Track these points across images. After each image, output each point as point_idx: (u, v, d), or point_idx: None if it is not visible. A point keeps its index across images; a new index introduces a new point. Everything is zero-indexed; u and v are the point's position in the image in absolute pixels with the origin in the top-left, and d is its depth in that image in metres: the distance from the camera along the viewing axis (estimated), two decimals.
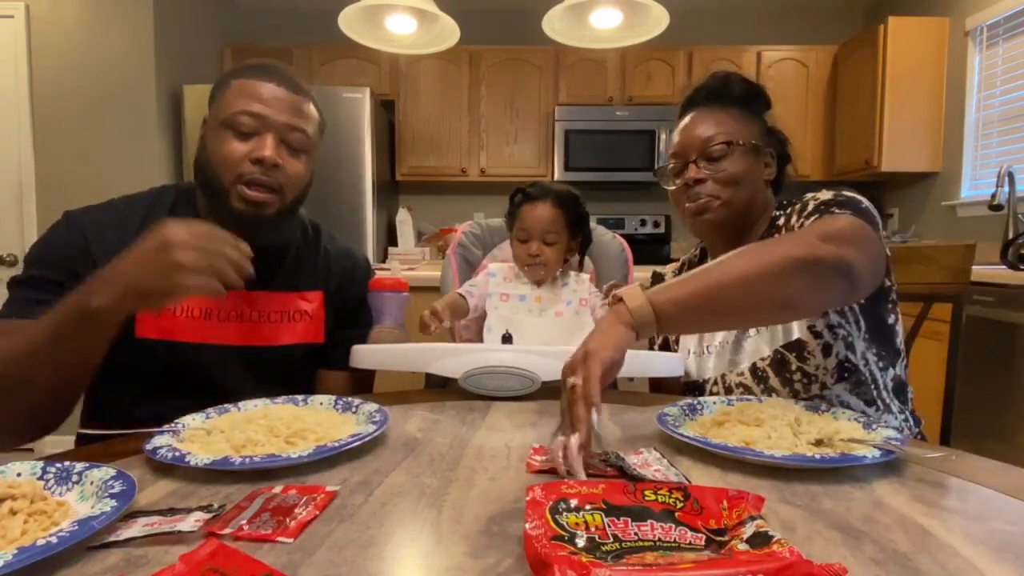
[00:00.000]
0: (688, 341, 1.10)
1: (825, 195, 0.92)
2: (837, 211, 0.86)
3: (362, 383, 1.14)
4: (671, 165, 1.06)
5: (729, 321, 0.85)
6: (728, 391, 1.01)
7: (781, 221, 1.00)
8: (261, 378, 0.98)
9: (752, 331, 1.00)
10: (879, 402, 0.95)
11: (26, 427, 0.82)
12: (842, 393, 0.94)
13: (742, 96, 1.04)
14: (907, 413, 0.98)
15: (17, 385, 0.75)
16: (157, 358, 0.93)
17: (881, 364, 0.96)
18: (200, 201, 0.99)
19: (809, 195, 0.95)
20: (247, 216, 0.92)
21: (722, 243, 1.05)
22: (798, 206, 0.95)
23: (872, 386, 0.95)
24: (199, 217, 0.99)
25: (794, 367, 0.95)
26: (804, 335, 0.94)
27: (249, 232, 0.95)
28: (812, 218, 0.89)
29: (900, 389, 0.98)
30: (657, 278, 1.25)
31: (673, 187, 1.06)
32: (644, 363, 0.98)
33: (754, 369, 0.99)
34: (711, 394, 1.03)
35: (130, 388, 0.94)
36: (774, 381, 0.96)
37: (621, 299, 0.74)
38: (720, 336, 1.05)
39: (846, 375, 0.93)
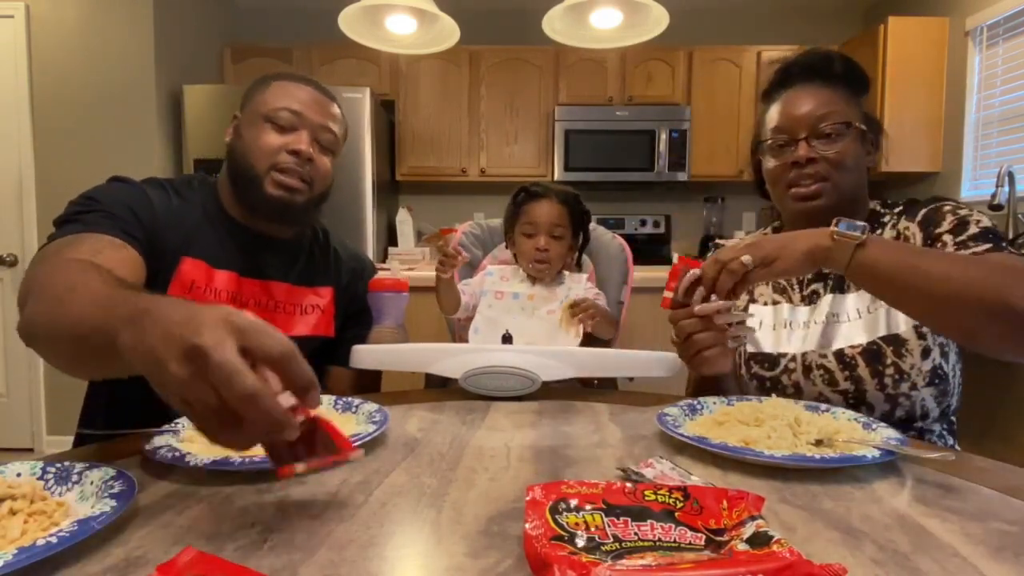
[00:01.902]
0: (762, 313, 1.05)
1: (985, 221, 0.87)
2: (1012, 252, 0.82)
3: (369, 382, 1.14)
4: (770, 140, 0.99)
5: (914, 304, 0.80)
6: (807, 370, 0.96)
7: (888, 220, 0.97)
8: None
9: (846, 318, 0.96)
10: (945, 420, 0.94)
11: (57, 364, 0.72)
12: (927, 398, 0.91)
13: (843, 75, 0.98)
14: (951, 427, 0.97)
15: (53, 340, 0.67)
16: None
17: (959, 382, 0.95)
18: (224, 193, 1.02)
19: (950, 206, 0.92)
20: (279, 202, 0.97)
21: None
22: (939, 215, 0.91)
23: (949, 398, 0.93)
24: (221, 209, 1.02)
25: (889, 361, 0.90)
26: (908, 332, 0.90)
27: (277, 219, 1.01)
28: (984, 246, 0.83)
29: (958, 410, 0.97)
30: (717, 247, 1.16)
31: (775, 164, 1.00)
32: (641, 363, 0.98)
33: (841, 354, 0.94)
34: (786, 370, 0.98)
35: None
36: (863, 371, 0.92)
37: (837, 235, 0.77)
38: (804, 315, 1.00)
39: (937, 381, 0.90)
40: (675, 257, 0.92)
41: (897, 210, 0.99)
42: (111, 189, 0.92)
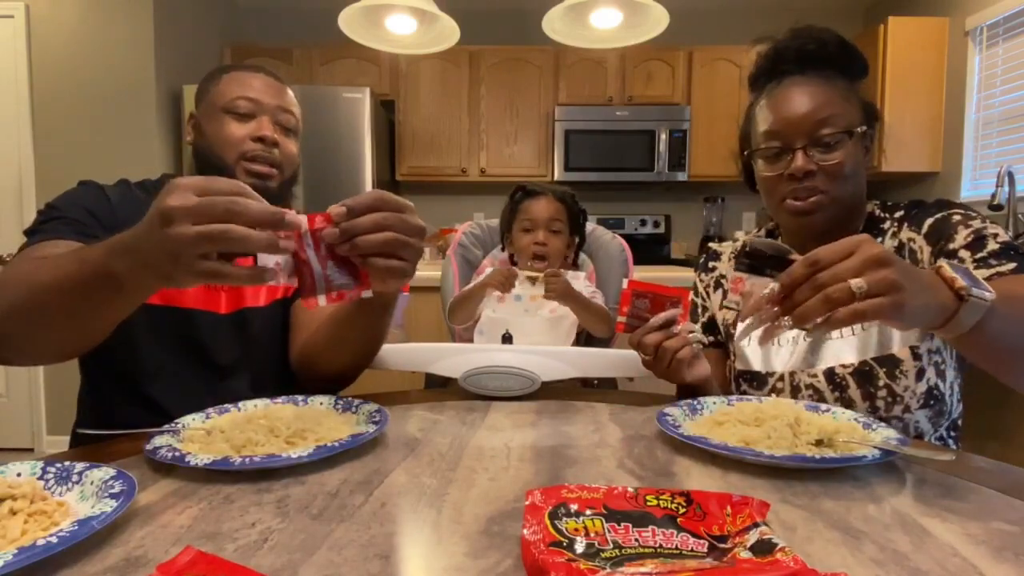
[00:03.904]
0: (751, 328, 1.02)
1: (1002, 233, 0.81)
2: None
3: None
4: (764, 146, 0.92)
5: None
6: (795, 391, 0.93)
7: (888, 227, 0.91)
8: (249, 344, 1.01)
9: (836, 333, 0.90)
10: (945, 432, 0.91)
11: (39, 352, 0.78)
12: (922, 419, 0.88)
13: (840, 61, 0.90)
14: (954, 436, 0.94)
15: (36, 311, 0.70)
16: (159, 323, 0.95)
17: (958, 396, 0.92)
18: None
19: (960, 215, 0.85)
20: (254, 190, 0.98)
21: (815, 240, 0.95)
22: (949, 227, 0.83)
23: (947, 417, 0.90)
24: None
25: (881, 383, 0.87)
26: (903, 352, 0.86)
27: None
28: (1009, 265, 0.76)
29: (959, 418, 0.94)
30: (712, 254, 1.14)
31: (770, 173, 0.92)
32: (636, 363, 0.98)
33: (831, 374, 0.90)
34: (774, 389, 0.95)
35: (133, 360, 0.95)
36: (854, 392, 0.89)
37: (967, 293, 0.60)
38: (792, 331, 0.98)
39: (932, 402, 0.87)
40: (624, 283, 0.88)
41: (898, 214, 0.93)
42: (71, 195, 0.95)
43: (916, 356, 0.86)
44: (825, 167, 0.87)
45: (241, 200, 0.55)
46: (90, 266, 0.63)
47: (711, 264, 1.13)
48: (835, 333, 0.91)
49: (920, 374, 0.86)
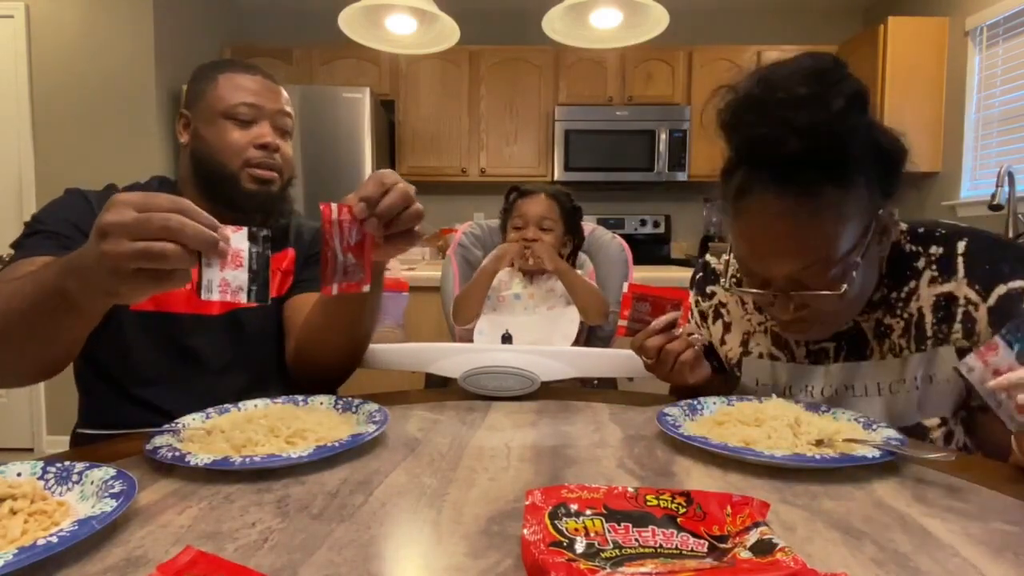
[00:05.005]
0: (757, 369, 0.93)
1: None
2: None
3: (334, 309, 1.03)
4: (745, 279, 0.81)
5: None
6: None
7: (923, 267, 0.79)
8: (243, 345, 1.01)
9: (862, 391, 0.83)
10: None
11: (14, 374, 0.77)
12: None
13: (826, 156, 0.68)
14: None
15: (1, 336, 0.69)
16: (151, 329, 0.95)
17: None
18: (187, 192, 1.01)
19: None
20: (259, 195, 0.99)
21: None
22: (1017, 309, 0.71)
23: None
24: None
25: None
26: (931, 422, 0.80)
27: (256, 211, 1.02)
28: None
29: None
30: (708, 274, 1.03)
31: (758, 301, 0.85)
32: (641, 363, 0.98)
33: None
34: None
35: (127, 365, 0.95)
36: None
37: None
38: (808, 378, 0.88)
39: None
40: (624, 287, 0.88)
41: (935, 250, 0.79)
42: (56, 206, 0.94)
43: (943, 422, 0.80)
44: (817, 302, 0.74)
45: (176, 218, 0.55)
46: (43, 287, 0.64)
47: (709, 289, 1.02)
48: (859, 390, 0.84)
49: (949, 437, 0.81)
